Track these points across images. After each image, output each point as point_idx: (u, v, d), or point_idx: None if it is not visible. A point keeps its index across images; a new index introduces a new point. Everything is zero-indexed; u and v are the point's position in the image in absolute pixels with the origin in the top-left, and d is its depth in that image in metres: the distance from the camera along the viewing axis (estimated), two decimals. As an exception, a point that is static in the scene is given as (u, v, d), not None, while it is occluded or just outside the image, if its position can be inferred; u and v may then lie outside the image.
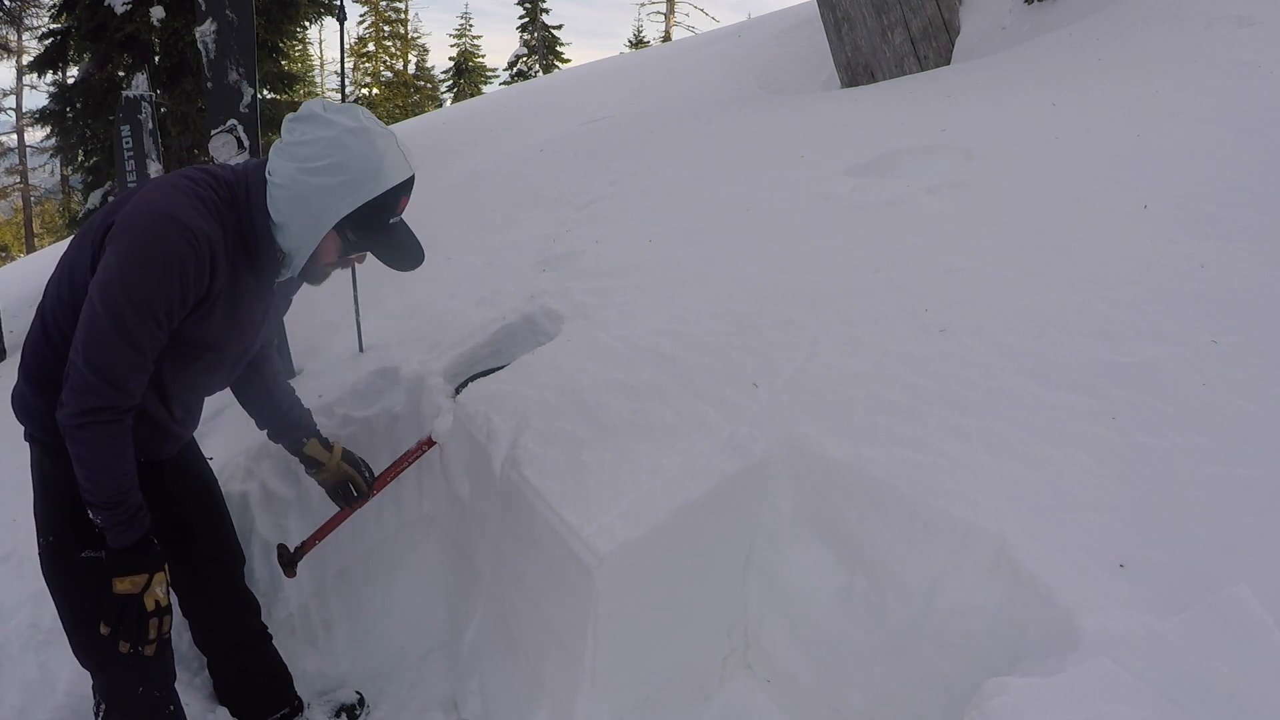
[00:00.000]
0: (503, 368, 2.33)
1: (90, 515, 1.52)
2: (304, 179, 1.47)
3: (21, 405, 1.63)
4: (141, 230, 1.42)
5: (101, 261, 1.44)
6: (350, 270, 2.68)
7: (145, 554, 1.55)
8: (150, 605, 1.55)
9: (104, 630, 1.55)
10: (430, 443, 2.26)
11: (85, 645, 1.66)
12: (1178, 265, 2.04)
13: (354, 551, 2.39)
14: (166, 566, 1.60)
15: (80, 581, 1.61)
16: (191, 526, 1.89)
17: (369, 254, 1.67)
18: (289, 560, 2.13)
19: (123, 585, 1.53)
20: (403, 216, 1.61)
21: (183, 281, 1.44)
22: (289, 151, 1.49)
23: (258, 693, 2.06)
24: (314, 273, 1.66)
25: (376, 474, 2.14)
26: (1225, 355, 1.73)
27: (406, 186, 1.55)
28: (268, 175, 1.51)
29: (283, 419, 1.96)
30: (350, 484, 2.05)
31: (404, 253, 1.64)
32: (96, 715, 1.84)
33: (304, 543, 2.14)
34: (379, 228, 1.55)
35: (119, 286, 1.41)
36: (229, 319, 1.59)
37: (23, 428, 1.65)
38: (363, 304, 2.73)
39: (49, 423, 1.54)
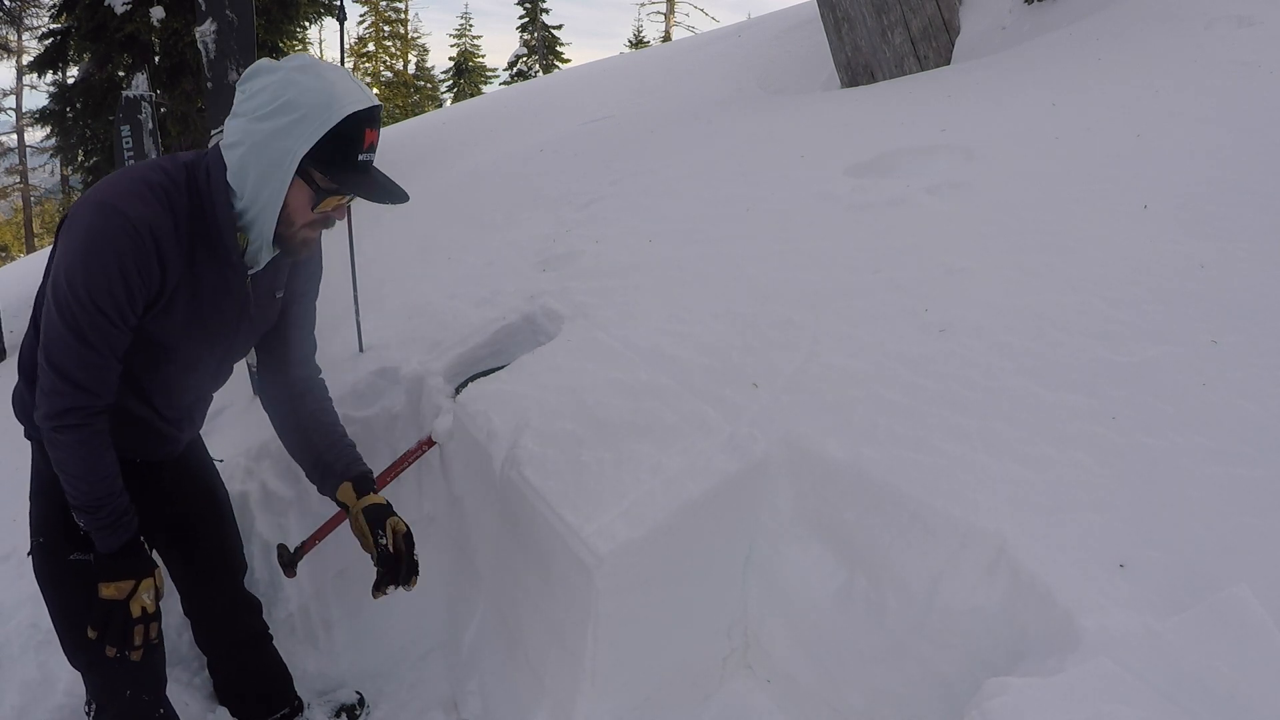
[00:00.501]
0: (502, 368, 2.33)
1: (75, 518, 1.49)
2: (255, 127, 1.35)
3: (20, 405, 1.63)
4: (82, 222, 1.35)
5: (52, 259, 1.40)
6: (350, 270, 2.68)
7: (132, 559, 1.51)
8: (136, 611, 1.51)
9: (91, 635, 1.52)
10: (430, 443, 2.26)
11: (74, 645, 1.63)
12: (1178, 265, 2.04)
13: (354, 551, 2.38)
14: (157, 572, 1.56)
15: (70, 583, 1.58)
16: (194, 527, 1.88)
17: (348, 209, 1.53)
18: (289, 560, 2.13)
19: (108, 591, 1.49)
20: (375, 162, 1.43)
21: (124, 272, 1.35)
22: (238, 110, 1.38)
23: (258, 693, 2.06)
24: (289, 241, 1.47)
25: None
26: (1225, 355, 1.73)
27: (369, 117, 1.38)
28: (224, 147, 1.40)
29: (315, 462, 1.76)
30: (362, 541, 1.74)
31: (382, 190, 1.43)
32: (88, 714, 1.84)
33: (304, 543, 2.14)
34: (348, 166, 1.38)
35: (65, 282, 1.35)
36: (194, 317, 1.50)
37: (23, 427, 1.65)
38: (363, 304, 2.73)
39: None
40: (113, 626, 1.50)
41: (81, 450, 1.44)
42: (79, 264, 1.34)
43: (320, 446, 1.76)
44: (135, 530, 1.52)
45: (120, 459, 1.52)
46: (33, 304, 1.58)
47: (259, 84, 1.37)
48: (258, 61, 1.42)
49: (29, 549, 1.65)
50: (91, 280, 1.34)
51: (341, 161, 1.38)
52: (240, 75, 2.55)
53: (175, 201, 1.40)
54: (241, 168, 1.39)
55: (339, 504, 1.75)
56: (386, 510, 1.72)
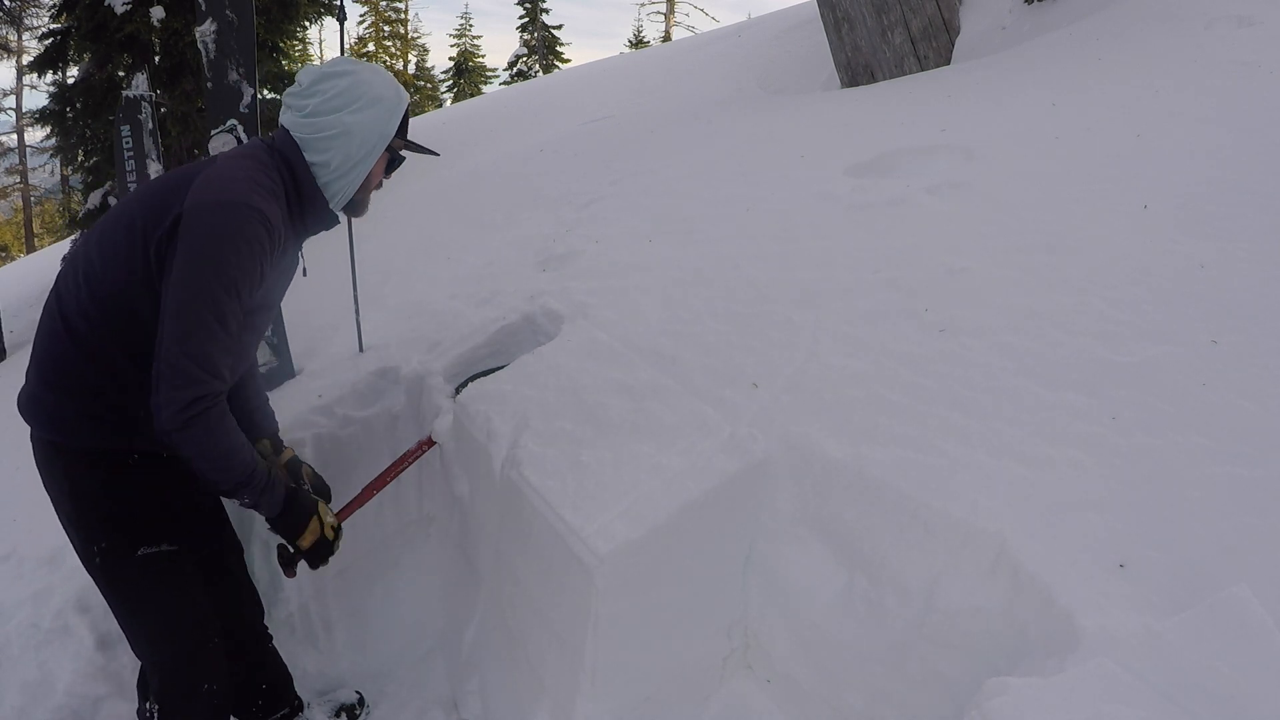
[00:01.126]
0: (502, 368, 2.33)
1: (236, 501, 1.63)
2: (353, 118, 1.66)
3: (39, 409, 1.61)
4: (222, 220, 1.51)
5: (181, 255, 1.49)
6: (350, 270, 2.69)
7: (300, 504, 1.72)
8: (331, 534, 1.78)
9: (290, 575, 1.83)
10: (430, 443, 2.26)
11: (150, 641, 1.71)
12: (1178, 265, 2.04)
13: (354, 551, 2.39)
14: (319, 502, 1.79)
15: (144, 579, 1.66)
16: (207, 524, 1.91)
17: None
18: (289, 560, 2.13)
19: (307, 540, 1.73)
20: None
21: (261, 263, 1.56)
22: (323, 109, 1.65)
23: (257, 693, 2.06)
24: (361, 204, 1.81)
25: (376, 475, 2.12)
26: (1225, 355, 1.73)
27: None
28: (307, 136, 1.66)
29: (246, 416, 1.92)
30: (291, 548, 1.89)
31: (423, 148, 1.87)
32: (147, 716, 1.84)
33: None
34: (406, 131, 1.78)
35: (212, 275, 1.49)
36: (274, 285, 1.72)
37: (42, 435, 1.61)
38: (362, 304, 2.73)
39: (78, 425, 1.57)
40: (322, 559, 1.78)
41: (219, 431, 1.54)
42: (228, 258, 1.50)
43: (254, 401, 1.98)
44: (283, 480, 1.70)
45: (151, 452, 1.61)
46: (47, 308, 1.59)
47: (335, 86, 1.66)
48: (304, 72, 1.71)
49: (90, 558, 1.66)
50: (237, 272, 1.51)
51: (405, 129, 1.77)
52: (240, 75, 2.55)
53: (280, 191, 1.65)
54: (342, 153, 1.67)
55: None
56: (300, 463, 2.01)
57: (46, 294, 1.65)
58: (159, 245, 1.52)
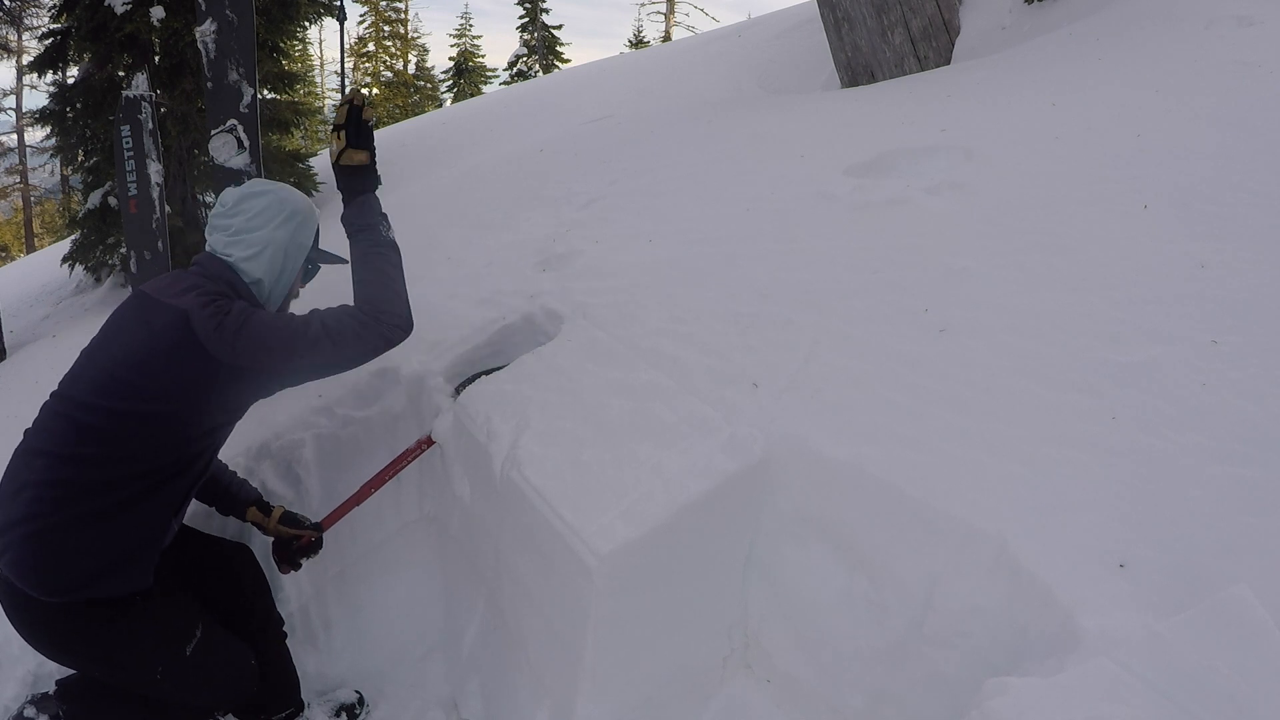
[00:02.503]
0: (502, 368, 2.33)
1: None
2: (276, 234, 1.85)
3: (42, 568, 1.56)
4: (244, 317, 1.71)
5: (244, 359, 1.65)
6: (351, 270, 2.68)
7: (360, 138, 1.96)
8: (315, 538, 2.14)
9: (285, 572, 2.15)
10: (429, 442, 2.26)
11: (215, 699, 1.89)
12: (1178, 265, 2.04)
13: (354, 551, 2.39)
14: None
15: (201, 667, 1.78)
16: (209, 578, 2.01)
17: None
18: (288, 559, 2.14)
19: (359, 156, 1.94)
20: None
21: None
22: (250, 226, 1.83)
23: (266, 690, 2.06)
24: (285, 306, 1.99)
25: (380, 469, 2.23)
26: (1225, 355, 1.73)
27: None
28: (237, 256, 1.81)
29: (224, 492, 2.12)
30: (292, 540, 2.13)
31: (333, 253, 2.08)
32: None
33: (324, 519, 2.18)
34: (317, 245, 2.02)
35: (274, 341, 1.70)
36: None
37: (51, 599, 1.58)
38: (363, 304, 2.73)
39: (106, 572, 1.58)
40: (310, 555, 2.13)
41: (394, 306, 1.88)
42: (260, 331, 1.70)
43: (224, 480, 2.13)
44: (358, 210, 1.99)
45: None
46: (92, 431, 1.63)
47: (257, 205, 1.85)
48: (225, 194, 1.87)
49: (151, 684, 1.74)
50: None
51: (318, 240, 2.02)
52: (240, 75, 2.55)
53: None
54: (270, 266, 1.85)
55: (252, 523, 2.13)
56: (290, 512, 2.15)
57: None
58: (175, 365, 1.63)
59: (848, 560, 1.67)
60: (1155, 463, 1.52)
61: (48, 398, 1.71)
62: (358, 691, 2.31)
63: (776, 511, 1.80)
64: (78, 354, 1.82)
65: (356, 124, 1.90)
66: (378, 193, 1.99)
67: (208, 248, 1.86)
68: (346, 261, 2.01)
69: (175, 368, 1.61)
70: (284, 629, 2.13)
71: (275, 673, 2.09)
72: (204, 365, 1.61)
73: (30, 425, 1.69)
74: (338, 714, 2.25)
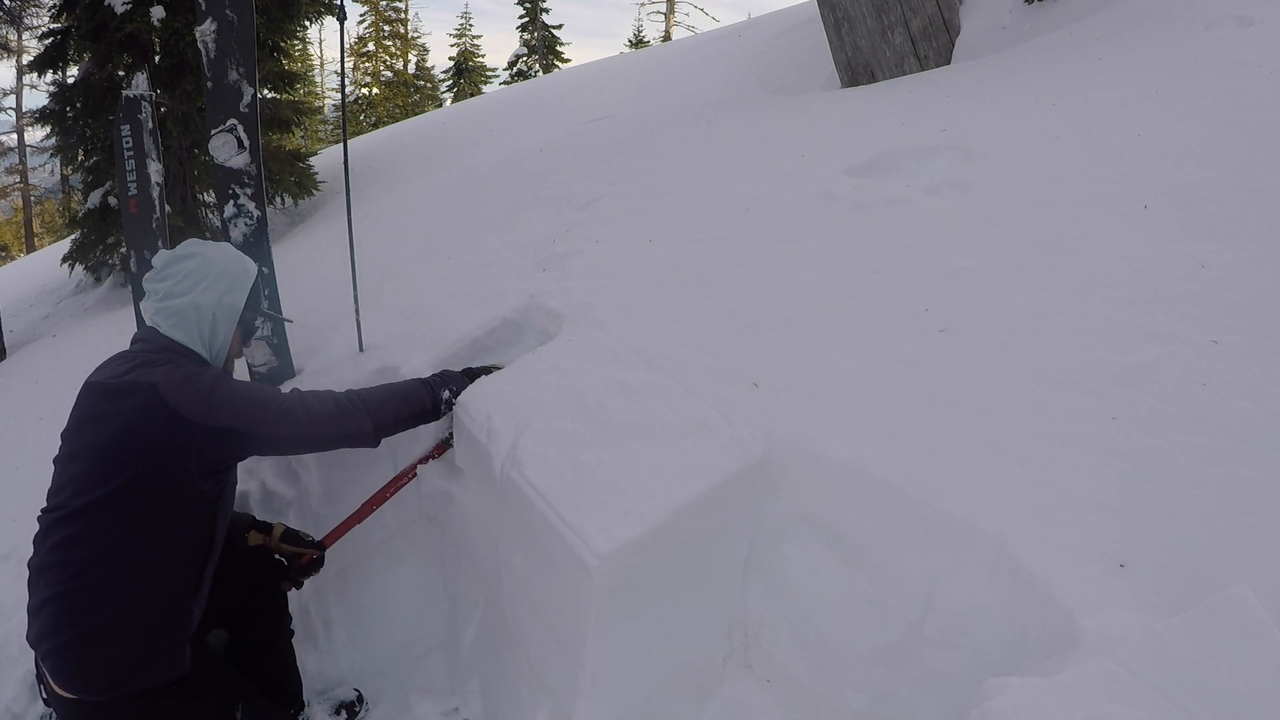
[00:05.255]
0: (498, 367, 2.33)
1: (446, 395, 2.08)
2: (202, 300, 1.82)
3: (85, 664, 1.56)
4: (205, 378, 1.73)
5: (221, 413, 1.67)
6: (350, 270, 2.68)
7: (470, 373, 2.18)
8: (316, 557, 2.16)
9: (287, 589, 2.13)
10: (446, 446, 2.27)
11: None
12: (1178, 265, 2.04)
13: (354, 551, 2.39)
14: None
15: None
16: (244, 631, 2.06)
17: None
18: (291, 577, 2.15)
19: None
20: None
21: None
22: (175, 292, 1.80)
23: (270, 689, 2.07)
24: (231, 364, 1.98)
25: (384, 483, 2.25)
26: (1225, 355, 1.73)
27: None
28: (162, 325, 1.80)
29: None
30: (294, 559, 2.13)
31: (275, 315, 2.21)
32: None
33: (330, 534, 2.18)
34: (256, 302, 2.00)
35: (241, 397, 1.72)
36: None
37: (96, 699, 1.58)
38: (362, 303, 2.73)
39: (139, 667, 1.58)
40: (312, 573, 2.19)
41: (384, 407, 1.93)
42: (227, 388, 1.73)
43: None
44: (447, 379, 2.12)
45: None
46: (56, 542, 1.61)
47: (183, 269, 1.82)
48: (158, 256, 1.85)
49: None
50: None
51: (255, 300, 1.97)
52: (240, 75, 2.55)
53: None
54: (198, 331, 1.82)
55: (252, 545, 2.09)
56: (291, 530, 2.14)
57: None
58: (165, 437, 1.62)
59: (848, 560, 1.67)
60: (1155, 463, 1.52)
61: (39, 512, 1.68)
62: (357, 690, 2.31)
63: (776, 511, 1.79)
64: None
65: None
66: None
67: (145, 315, 1.88)
68: (290, 320, 2.25)
69: (152, 437, 1.60)
70: (292, 628, 2.14)
71: (282, 675, 2.09)
72: (179, 430, 1.60)
73: (34, 536, 1.67)
74: (337, 712, 2.26)
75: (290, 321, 2.20)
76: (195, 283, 1.81)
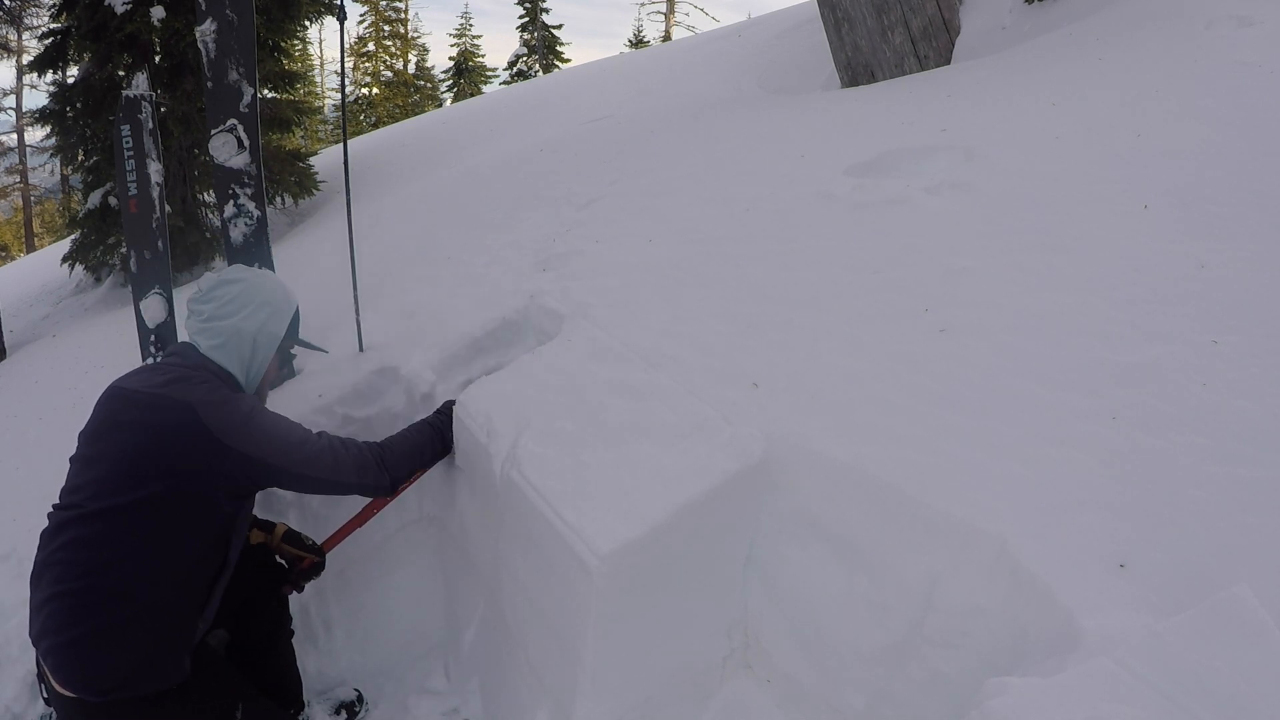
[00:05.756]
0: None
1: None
2: (244, 325, 1.85)
3: (90, 664, 1.56)
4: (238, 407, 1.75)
5: (251, 445, 1.69)
6: (350, 270, 2.69)
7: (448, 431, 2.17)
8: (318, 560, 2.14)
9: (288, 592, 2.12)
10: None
11: None
12: (1178, 265, 2.04)
13: (354, 551, 2.39)
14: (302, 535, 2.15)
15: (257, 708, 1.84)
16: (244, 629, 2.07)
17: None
18: (291, 581, 2.15)
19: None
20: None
21: None
22: (219, 314, 1.84)
23: (271, 689, 2.07)
24: (265, 391, 2.02)
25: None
26: (1225, 355, 1.73)
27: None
28: (202, 345, 1.84)
29: None
30: (291, 559, 2.13)
31: (312, 345, 2.18)
32: None
33: (328, 539, 2.19)
34: (295, 333, 2.04)
35: (275, 432, 1.76)
36: None
37: (99, 699, 1.57)
38: (362, 304, 2.73)
39: (138, 672, 1.57)
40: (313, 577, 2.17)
41: (400, 462, 2.01)
42: (267, 423, 1.78)
43: None
44: (435, 428, 2.15)
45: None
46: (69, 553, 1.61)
47: (227, 294, 1.86)
48: (202, 280, 1.90)
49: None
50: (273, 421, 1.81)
51: (294, 331, 2.02)
52: (240, 75, 2.55)
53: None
54: (239, 357, 1.85)
55: (254, 544, 2.09)
56: (293, 531, 2.14)
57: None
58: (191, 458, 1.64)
59: (848, 560, 1.67)
60: (1155, 463, 1.52)
61: (50, 509, 1.67)
62: (357, 690, 2.31)
63: (776, 511, 1.80)
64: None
65: None
66: None
67: (186, 333, 1.88)
68: (325, 351, 2.26)
69: (183, 455, 1.61)
70: (292, 628, 2.14)
71: (282, 675, 2.09)
72: (212, 452, 1.62)
73: (41, 532, 1.67)
74: (337, 712, 2.26)
75: (325, 353, 2.23)
76: (239, 308, 1.85)
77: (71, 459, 1.70)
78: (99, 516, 1.58)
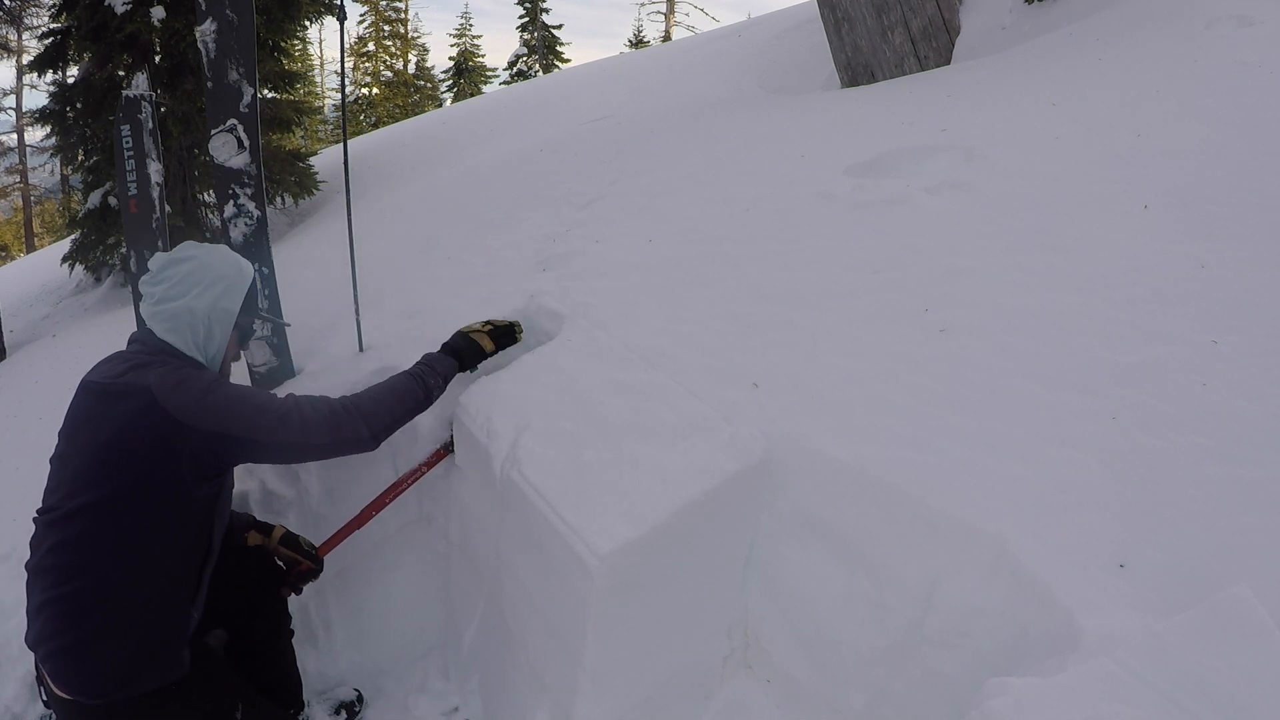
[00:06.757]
0: (479, 326, 2.31)
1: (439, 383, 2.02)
2: (196, 305, 1.78)
3: (84, 667, 1.56)
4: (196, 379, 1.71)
5: (212, 417, 1.64)
6: (350, 270, 2.69)
7: (456, 348, 2.13)
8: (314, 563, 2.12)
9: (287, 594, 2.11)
10: (444, 453, 2.27)
11: None
12: (1178, 265, 2.04)
13: (354, 551, 2.39)
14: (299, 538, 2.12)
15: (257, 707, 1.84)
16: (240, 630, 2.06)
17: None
18: (289, 582, 2.15)
19: (488, 345, 2.18)
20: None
21: None
22: (170, 296, 1.77)
23: (271, 689, 2.07)
24: (227, 368, 1.95)
25: (391, 482, 2.26)
26: (1225, 355, 1.73)
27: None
28: (157, 329, 1.78)
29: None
30: (288, 561, 2.10)
31: (272, 318, 2.19)
32: None
33: (325, 542, 2.18)
34: (253, 307, 1.96)
35: (234, 401, 1.69)
36: None
37: (93, 702, 1.57)
38: (363, 304, 2.73)
39: (137, 670, 1.57)
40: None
41: (381, 414, 1.85)
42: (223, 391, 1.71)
43: None
44: (437, 361, 2.06)
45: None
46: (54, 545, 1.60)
47: (178, 273, 1.79)
48: (154, 259, 1.83)
49: None
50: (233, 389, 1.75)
51: (251, 304, 1.93)
52: (240, 75, 2.55)
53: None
54: (192, 335, 1.79)
55: (251, 546, 2.08)
56: (291, 534, 2.11)
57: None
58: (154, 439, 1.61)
59: (848, 560, 1.67)
60: (1155, 463, 1.52)
61: (35, 514, 1.67)
62: (357, 689, 2.31)
63: (776, 511, 1.80)
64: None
65: (509, 337, 2.24)
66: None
67: (142, 317, 1.85)
68: (288, 324, 2.21)
69: (147, 441, 1.59)
70: (291, 628, 2.14)
71: (282, 675, 2.09)
72: (173, 433, 1.59)
73: (30, 538, 1.66)
74: (337, 712, 2.26)
75: (288, 325, 2.17)
76: (189, 287, 1.78)
77: (50, 459, 1.70)
78: (77, 515, 1.57)
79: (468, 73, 25.77)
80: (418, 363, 2.05)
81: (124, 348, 1.83)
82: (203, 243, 1.90)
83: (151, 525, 1.60)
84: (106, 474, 1.57)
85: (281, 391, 2.58)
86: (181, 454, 1.60)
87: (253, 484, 2.42)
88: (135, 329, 1.94)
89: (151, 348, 1.77)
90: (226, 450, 1.67)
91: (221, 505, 1.77)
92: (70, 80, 6.44)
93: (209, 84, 2.64)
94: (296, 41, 8.35)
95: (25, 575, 1.64)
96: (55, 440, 1.71)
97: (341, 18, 2.59)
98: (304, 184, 6.79)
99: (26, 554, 1.66)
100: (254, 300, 1.96)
